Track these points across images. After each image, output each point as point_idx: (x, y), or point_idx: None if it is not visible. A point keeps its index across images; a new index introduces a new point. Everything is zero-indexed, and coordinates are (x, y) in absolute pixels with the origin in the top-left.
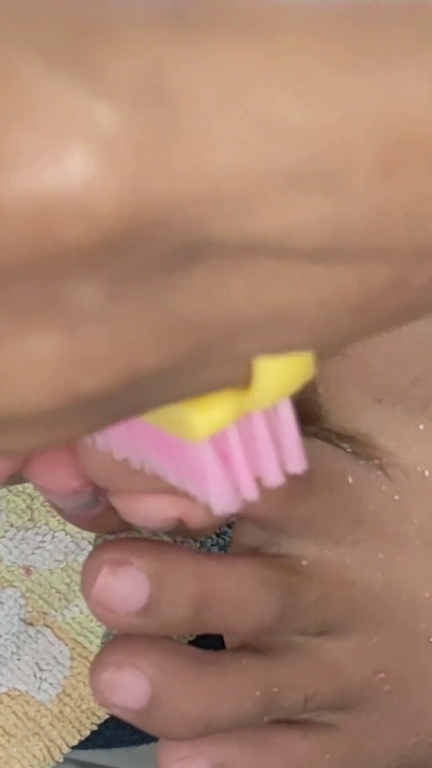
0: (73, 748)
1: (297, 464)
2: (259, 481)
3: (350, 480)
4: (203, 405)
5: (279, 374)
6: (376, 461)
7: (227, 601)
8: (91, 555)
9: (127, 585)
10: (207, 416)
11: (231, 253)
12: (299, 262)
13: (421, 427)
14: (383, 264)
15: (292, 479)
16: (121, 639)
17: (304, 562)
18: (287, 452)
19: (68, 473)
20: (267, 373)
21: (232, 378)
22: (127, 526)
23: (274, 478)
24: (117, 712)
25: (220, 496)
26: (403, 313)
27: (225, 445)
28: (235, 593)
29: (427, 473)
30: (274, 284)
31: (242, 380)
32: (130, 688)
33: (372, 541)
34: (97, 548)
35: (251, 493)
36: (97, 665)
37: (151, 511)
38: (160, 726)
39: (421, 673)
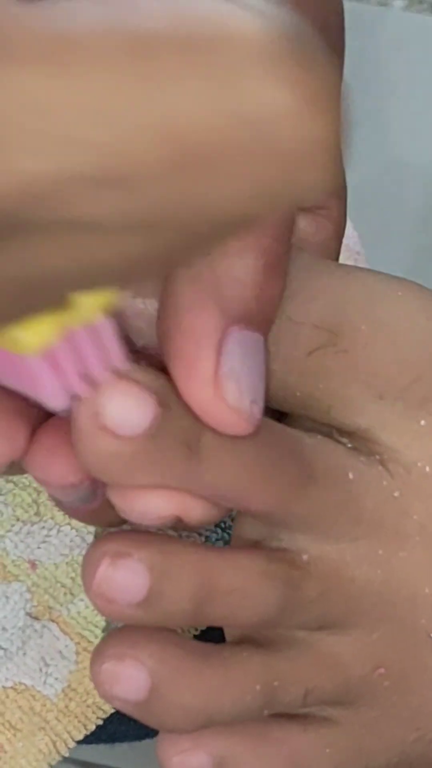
0: (78, 742)
1: (119, 361)
2: (88, 378)
3: (351, 475)
4: (32, 325)
5: (90, 298)
6: (377, 457)
7: (228, 594)
8: (91, 547)
9: (128, 577)
10: (34, 333)
11: (48, 228)
12: (106, 234)
13: (422, 423)
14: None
15: (292, 475)
16: (122, 631)
17: (305, 557)
18: (110, 354)
19: (66, 467)
20: (81, 299)
21: (54, 306)
22: (126, 520)
23: (99, 375)
24: (117, 705)
25: (53, 396)
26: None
27: (53, 355)
28: (237, 586)
29: (427, 469)
30: (87, 248)
31: (63, 306)
32: (131, 680)
33: (372, 538)
34: (98, 540)
35: (80, 389)
36: (97, 657)
37: (147, 507)
38: (161, 718)
39: (421, 668)
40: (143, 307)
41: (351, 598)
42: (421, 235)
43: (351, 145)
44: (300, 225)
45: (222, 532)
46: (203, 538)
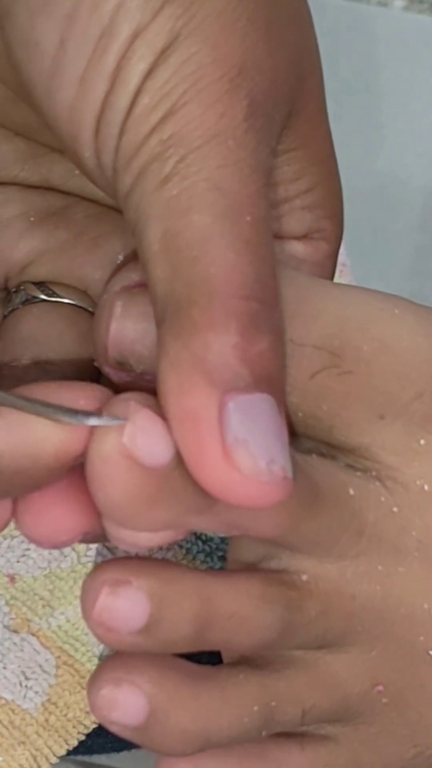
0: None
1: None
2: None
3: (351, 492)
4: None
5: None
6: (374, 473)
7: (228, 619)
8: (90, 575)
9: (127, 605)
10: None
11: None
12: None
13: (422, 442)
14: None
15: (299, 496)
16: (119, 656)
17: (304, 577)
18: None
19: (58, 527)
20: None
21: None
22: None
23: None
24: (115, 729)
25: None
26: None
27: None
28: (236, 611)
29: (426, 487)
30: None
31: None
32: (128, 705)
33: (372, 554)
34: (97, 568)
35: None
36: (94, 682)
37: (141, 539)
38: (159, 742)
39: (419, 685)
40: (144, 332)
41: (351, 615)
42: (421, 235)
43: (350, 146)
44: (296, 249)
45: (203, 545)
46: (184, 551)
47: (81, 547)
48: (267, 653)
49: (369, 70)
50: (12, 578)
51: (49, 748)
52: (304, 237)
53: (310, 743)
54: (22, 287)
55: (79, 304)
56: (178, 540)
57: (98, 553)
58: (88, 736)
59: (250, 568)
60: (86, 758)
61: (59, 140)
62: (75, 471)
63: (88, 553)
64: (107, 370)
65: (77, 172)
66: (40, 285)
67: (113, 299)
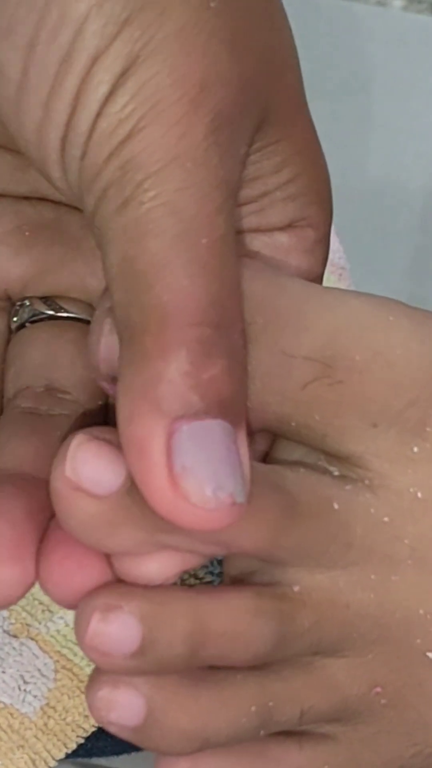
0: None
1: None
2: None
3: (336, 506)
4: None
5: None
6: (366, 482)
7: (221, 636)
8: (82, 602)
9: (119, 630)
10: None
11: None
12: None
13: (415, 449)
14: None
15: (278, 511)
16: None
17: (296, 588)
18: None
19: (78, 593)
20: None
21: None
22: None
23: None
24: (113, 730)
25: None
26: None
27: None
28: (229, 627)
29: (420, 494)
30: None
31: None
32: (126, 706)
33: (364, 564)
34: (88, 595)
35: None
36: (92, 683)
37: (151, 573)
38: (157, 742)
39: (417, 685)
40: None
41: (346, 623)
42: (421, 236)
43: (349, 145)
44: (281, 241)
45: None
46: None
47: None
48: (264, 661)
49: (367, 69)
50: None
51: (48, 751)
52: (288, 227)
53: (309, 742)
54: (27, 301)
55: (88, 319)
56: (193, 567)
57: None
58: (86, 739)
59: (242, 583)
60: (86, 760)
61: (31, 162)
62: None
63: None
64: (103, 384)
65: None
66: (46, 299)
67: (103, 317)
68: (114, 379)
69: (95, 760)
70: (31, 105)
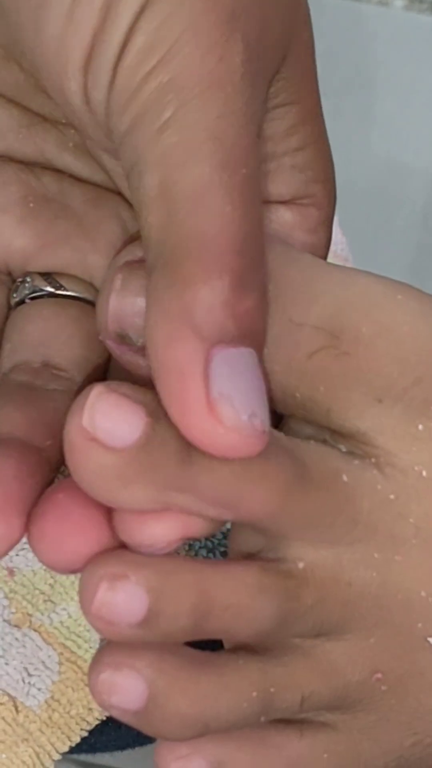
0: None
1: None
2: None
3: (345, 478)
4: None
5: None
6: (373, 460)
7: (226, 609)
8: (88, 569)
9: (126, 599)
10: None
11: None
12: None
13: (420, 427)
14: None
15: (290, 475)
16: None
17: (301, 565)
18: None
19: (71, 556)
20: None
21: None
22: None
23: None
24: (115, 714)
25: None
26: None
27: None
28: (234, 601)
29: (424, 473)
30: None
31: None
32: (128, 690)
33: (368, 541)
34: (94, 562)
35: None
36: (94, 667)
37: (154, 536)
38: (158, 727)
39: (418, 672)
40: (143, 305)
41: (348, 602)
42: (421, 234)
43: (351, 143)
44: (285, 217)
45: (205, 540)
46: (186, 546)
47: None
48: (266, 640)
49: (369, 68)
50: (11, 571)
51: (52, 745)
52: (291, 202)
53: (309, 730)
54: (28, 278)
55: (87, 298)
56: (195, 535)
57: None
58: (90, 733)
59: (248, 558)
60: (88, 757)
61: (46, 78)
62: (85, 497)
63: None
64: (109, 344)
65: (71, 144)
66: (47, 276)
67: (114, 273)
68: (121, 337)
69: (98, 756)
70: (53, 13)
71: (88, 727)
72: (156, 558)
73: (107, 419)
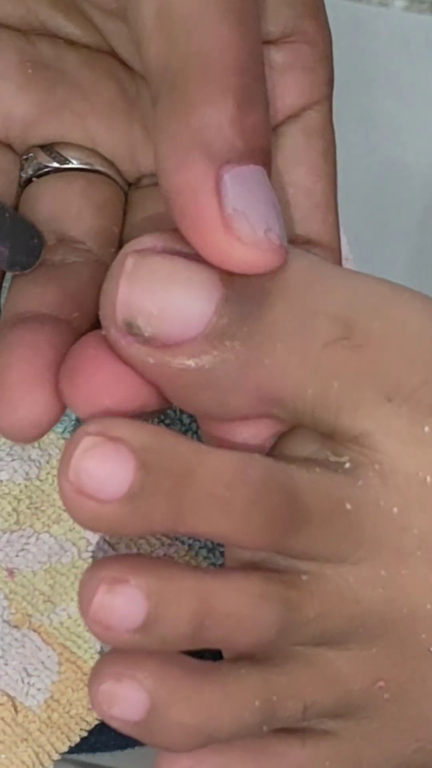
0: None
1: None
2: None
3: (348, 506)
4: None
5: None
6: (377, 466)
7: (226, 618)
8: (87, 572)
9: (125, 603)
10: None
11: None
12: None
13: (426, 429)
14: None
15: (285, 516)
16: (119, 651)
17: (304, 577)
18: None
19: (106, 409)
20: None
21: None
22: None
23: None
24: (116, 725)
25: None
26: None
27: None
28: (235, 609)
29: (428, 479)
30: None
31: None
32: (129, 700)
33: (374, 559)
34: (94, 565)
35: None
36: (94, 677)
37: (243, 437)
38: (160, 738)
39: (420, 680)
40: (154, 290)
41: (352, 618)
42: (421, 235)
43: (351, 145)
44: (273, 57)
45: (204, 539)
46: (186, 546)
47: (82, 543)
48: (267, 649)
49: (370, 69)
50: (11, 572)
51: (52, 745)
52: (281, 41)
53: (312, 738)
54: (31, 153)
55: (91, 167)
56: (277, 431)
57: (99, 548)
58: (90, 733)
59: (250, 567)
60: (89, 757)
61: None
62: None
63: (89, 548)
64: (115, 335)
65: (62, 5)
66: (49, 150)
67: (124, 257)
68: (128, 326)
69: (98, 756)
70: None
71: (88, 727)
72: (157, 563)
73: (94, 476)
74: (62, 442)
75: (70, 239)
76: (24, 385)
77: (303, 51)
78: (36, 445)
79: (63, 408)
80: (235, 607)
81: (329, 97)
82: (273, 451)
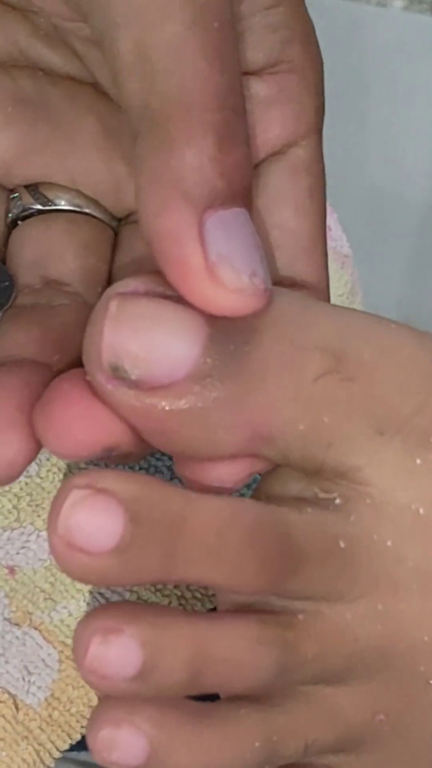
0: (62, 751)
1: None
2: None
3: (342, 544)
4: None
5: None
6: (368, 500)
7: (223, 663)
8: (81, 622)
9: (120, 653)
10: None
11: None
12: None
13: (418, 461)
14: None
15: (278, 561)
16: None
17: (301, 617)
18: None
19: (78, 443)
20: None
21: None
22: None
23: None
24: None
25: None
26: None
27: None
28: (231, 655)
29: (421, 511)
30: None
31: None
32: (128, 746)
33: (370, 595)
34: (88, 615)
35: None
36: (93, 723)
37: (221, 476)
38: None
39: (420, 712)
40: (139, 331)
41: (351, 655)
42: (421, 235)
43: (350, 145)
44: (256, 90)
45: None
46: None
47: None
48: (265, 690)
49: (369, 69)
50: (12, 570)
51: (53, 743)
52: (266, 71)
53: None
54: (17, 193)
55: (74, 209)
56: (256, 469)
57: None
58: None
59: (245, 609)
60: (89, 756)
61: None
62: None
63: None
64: (100, 379)
65: (42, 33)
66: (33, 191)
67: (108, 301)
68: (114, 369)
69: None
70: None
71: None
72: (151, 611)
73: (84, 529)
74: None
75: (55, 282)
76: None
77: (289, 81)
78: None
79: (38, 448)
80: (232, 652)
81: (318, 129)
82: (259, 492)
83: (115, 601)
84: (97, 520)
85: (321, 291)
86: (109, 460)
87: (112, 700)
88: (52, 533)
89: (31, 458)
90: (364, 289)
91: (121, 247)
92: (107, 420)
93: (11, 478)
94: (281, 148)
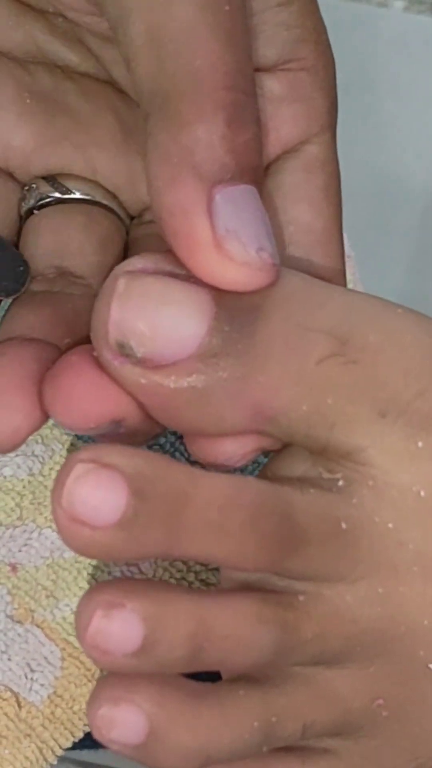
0: (65, 749)
1: None
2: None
3: (344, 525)
4: None
5: None
6: (371, 482)
7: (223, 640)
8: (84, 597)
9: (121, 628)
10: None
11: None
12: None
13: (420, 444)
14: None
15: (280, 540)
16: (118, 674)
17: (301, 598)
18: None
19: (86, 413)
20: None
21: None
22: (154, 438)
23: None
24: (116, 748)
25: None
26: None
27: None
28: (232, 632)
29: (423, 493)
30: None
31: None
32: (128, 724)
33: (371, 577)
34: (90, 590)
35: None
36: (93, 701)
37: (228, 452)
38: (160, 761)
39: (419, 698)
40: (147, 310)
41: (351, 637)
42: (422, 233)
43: (352, 145)
44: (269, 87)
45: None
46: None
47: None
48: (265, 670)
49: (369, 69)
50: (14, 568)
51: (55, 740)
52: (278, 69)
53: (311, 757)
54: (34, 184)
55: (93, 199)
56: (263, 445)
57: None
58: None
59: (246, 588)
60: (90, 756)
61: None
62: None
63: None
64: (106, 356)
65: (60, 31)
66: (52, 181)
67: (115, 279)
68: (120, 347)
69: (100, 755)
70: None
71: None
72: (153, 586)
73: (87, 503)
74: (66, 438)
75: (70, 274)
76: (5, 393)
77: (301, 79)
78: (39, 441)
79: (43, 418)
80: (232, 629)
81: (331, 127)
82: (265, 472)
83: (119, 578)
84: (100, 494)
85: (336, 284)
86: (117, 439)
87: (112, 678)
88: (56, 506)
89: (35, 428)
90: (365, 289)
91: (133, 249)
92: (115, 392)
93: (14, 446)
94: (295, 146)
